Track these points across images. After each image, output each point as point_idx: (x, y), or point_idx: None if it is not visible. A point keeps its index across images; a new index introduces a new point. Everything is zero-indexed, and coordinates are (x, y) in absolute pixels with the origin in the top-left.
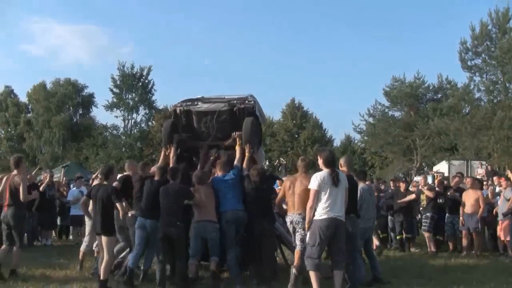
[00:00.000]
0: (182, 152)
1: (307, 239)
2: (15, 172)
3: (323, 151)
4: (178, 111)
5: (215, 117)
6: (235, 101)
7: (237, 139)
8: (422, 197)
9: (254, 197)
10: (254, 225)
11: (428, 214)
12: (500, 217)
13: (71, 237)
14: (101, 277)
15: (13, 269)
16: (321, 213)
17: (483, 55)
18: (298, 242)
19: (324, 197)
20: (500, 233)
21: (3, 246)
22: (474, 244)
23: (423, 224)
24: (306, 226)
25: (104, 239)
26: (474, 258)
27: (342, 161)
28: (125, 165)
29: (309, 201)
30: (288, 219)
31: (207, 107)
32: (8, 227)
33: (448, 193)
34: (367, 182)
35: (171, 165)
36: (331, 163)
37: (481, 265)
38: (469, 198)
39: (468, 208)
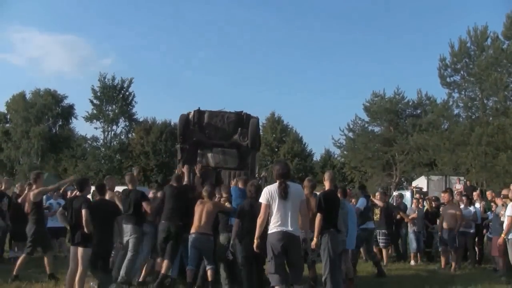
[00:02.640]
0: (190, 145)
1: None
2: (34, 186)
3: (277, 163)
4: (193, 112)
5: (225, 118)
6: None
7: (242, 136)
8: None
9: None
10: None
11: (383, 230)
12: (493, 233)
13: None
14: None
15: (16, 275)
16: (271, 227)
17: (462, 72)
18: (314, 258)
19: (274, 211)
20: (491, 249)
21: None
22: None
23: (380, 240)
24: (256, 237)
25: (80, 250)
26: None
27: (325, 175)
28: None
29: (260, 215)
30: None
31: (218, 111)
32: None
33: (441, 209)
34: None
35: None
36: (282, 176)
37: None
38: (447, 213)
39: (446, 223)
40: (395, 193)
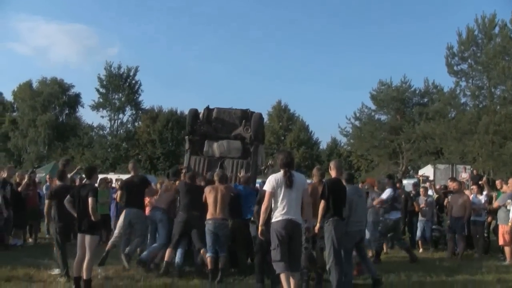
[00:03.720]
0: (198, 137)
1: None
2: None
3: (281, 153)
4: (202, 110)
5: (232, 114)
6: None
7: (246, 129)
8: None
9: None
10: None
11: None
12: (500, 221)
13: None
14: (85, 277)
15: None
16: (276, 215)
17: (469, 61)
18: (323, 246)
19: (279, 199)
20: (501, 236)
21: None
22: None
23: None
24: (260, 227)
25: (87, 238)
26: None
27: (331, 164)
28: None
29: (264, 203)
30: (308, 224)
31: (226, 108)
32: None
33: (449, 197)
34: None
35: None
36: (286, 165)
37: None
38: (456, 201)
39: (454, 211)
40: (405, 182)
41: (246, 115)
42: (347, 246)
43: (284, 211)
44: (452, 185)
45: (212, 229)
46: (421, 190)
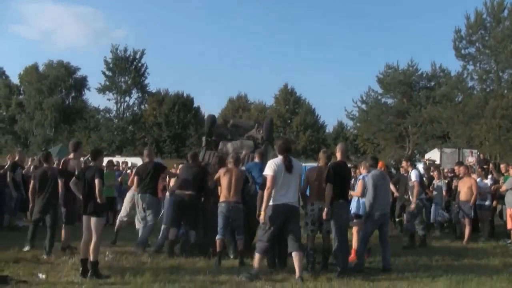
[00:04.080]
0: (214, 138)
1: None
2: (71, 155)
3: (279, 139)
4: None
5: (247, 123)
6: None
7: (258, 131)
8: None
9: None
10: None
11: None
12: (508, 204)
13: None
14: (92, 259)
15: (68, 245)
16: (276, 199)
17: (477, 44)
18: (329, 228)
19: (278, 183)
20: (509, 220)
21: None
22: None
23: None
24: (263, 209)
25: (93, 220)
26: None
27: (337, 147)
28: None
29: (267, 186)
30: (314, 207)
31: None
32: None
33: (455, 181)
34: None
35: None
36: (285, 150)
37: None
38: (464, 185)
39: (462, 195)
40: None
41: (258, 121)
42: (368, 230)
43: (284, 195)
44: (459, 169)
45: (224, 212)
46: (435, 173)
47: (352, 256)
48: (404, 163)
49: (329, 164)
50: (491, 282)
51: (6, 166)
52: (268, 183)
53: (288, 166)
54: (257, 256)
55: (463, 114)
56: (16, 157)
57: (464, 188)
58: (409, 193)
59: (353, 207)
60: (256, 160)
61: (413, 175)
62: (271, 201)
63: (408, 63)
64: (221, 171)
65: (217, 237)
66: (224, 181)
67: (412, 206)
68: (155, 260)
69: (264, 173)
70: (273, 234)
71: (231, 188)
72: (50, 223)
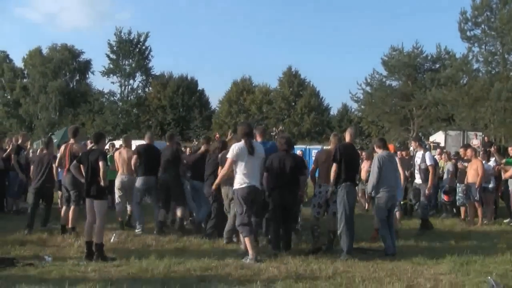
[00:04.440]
0: None
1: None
2: (72, 141)
3: (241, 124)
4: None
5: None
6: None
7: None
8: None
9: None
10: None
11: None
12: None
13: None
14: (96, 241)
15: (73, 227)
16: (240, 182)
17: (482, 26)
18: (335, 210)
19: (241, 167)
20: None
21: (64, 207)
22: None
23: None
24: (214, 186)
25: (96, 203)
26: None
27: (348, 130)
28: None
29: (224, 168)
30: (322, 189)
31: None
32: (67, 190)
33: (459, 164)
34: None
35: None
36: (246, 135)
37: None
38: (470, 168)
39: (469, 177)
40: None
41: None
42: (380, 214)
43: (248, 177)
44: (465, 152)
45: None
46: (442, 156)
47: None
48: (413, 144)
49: (337, 145)
50: (495, 264)
51: (10, 149)
52: (227, 166)
53: (250, 150)
54: (247, 240)
55: (468, 96)
56: (19, 140)
57: (471, 171)
58: (420, 176)
59: None
60: (258, 139)
61: (428, 158)
62: (238, 184)
63: (413, 45)
64: None
65: None
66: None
67: (428, 190)
68: (160, 243)
69: (227, 155)
70: (249, 215)
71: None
72: (45, 206)
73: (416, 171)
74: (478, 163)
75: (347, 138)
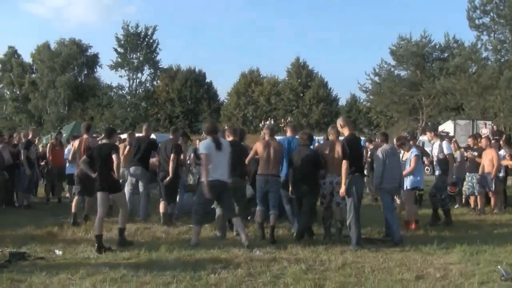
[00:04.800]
0: None
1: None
2: (85, 136)
3: (206, 123)
4: None
5: None
6: None
7: None
8: None
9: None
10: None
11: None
12: None
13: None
14: (122, 226)
15: (86, 215)
16: (209, 176)
17: (491, 14)
18: (339, 200)
19: (211, 161)
20: None
21: (76, 197)
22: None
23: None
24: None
25: (115, 195)
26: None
27: (340, 122)
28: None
29: (204, 164)
30: (327, 180)
31: None
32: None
33: (467, 153)
34: None
35: None
36: (212, 131)
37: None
38: (485, 158)
39: (485, 167)
40: (425, 138)
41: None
42: (387, 202)
43: (216, 171)
44: (473, 141)
45: (261, 186)
46: (454, 145)
47: (411, 226)
48: (428, 135)
49: (343, 140)
50: (505, 253)
51: (20, 144)
52: (205, 162)
53: (217, 145)
54: (194, 228)
55: (477, 85)
56: (30, 135)
57: (486, 161)
58: (439, 167)
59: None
60: (288, 134)
61: (446, 147)
62: (208, 177)
63: (421, 34)
64: (260, 145)
65: (258, 208)
66: (263, 154)
67: (449, 180)
68: (170, 235)
69: (200, 152)
70: (206, 206)
71: (270, 161)
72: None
73: (435, 163)
74: (493, 153)
75: (346, 130)
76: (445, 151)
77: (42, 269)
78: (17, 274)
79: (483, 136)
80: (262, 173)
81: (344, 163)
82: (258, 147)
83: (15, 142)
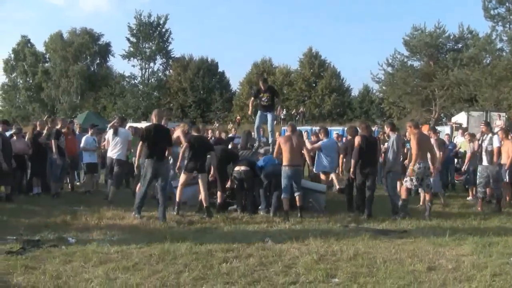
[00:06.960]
0: None
1: None
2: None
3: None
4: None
5: None
6: None
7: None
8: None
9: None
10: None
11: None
12: None
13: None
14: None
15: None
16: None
17: (507, 4)
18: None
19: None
20: None
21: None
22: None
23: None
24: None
25: None
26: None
27: (361, 126)
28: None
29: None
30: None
31: None
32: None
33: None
34: None
35: None
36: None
37: None
38: (502, 150)
39: (503, 158)
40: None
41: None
42: (394, 183)
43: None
44: (486, 128)
45: (289, 174)
46: (468, 136)
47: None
48: (483, 128)
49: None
50: None
51: (49, 134)
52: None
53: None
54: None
55: (491, 76)
56: (58, 125)
57: (503, 153)
58: (486, 158)
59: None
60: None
61: (496, 140)
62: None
63: (435, 24)
64: (282, 140)
65: (283, 196)
66: (286, 148)
67: (508, 167)
68: (182, 224)
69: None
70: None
71: (293, 153)
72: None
73: (484, 154)
74: (509, 144)
75: (365, 131)
76: (495, 144)
77: (56, 256)
78: (31, 261)
79: (498, 128)
80: (288, 164)
81: (353, 163)
82: (281, 141)
83: (25, 132)
